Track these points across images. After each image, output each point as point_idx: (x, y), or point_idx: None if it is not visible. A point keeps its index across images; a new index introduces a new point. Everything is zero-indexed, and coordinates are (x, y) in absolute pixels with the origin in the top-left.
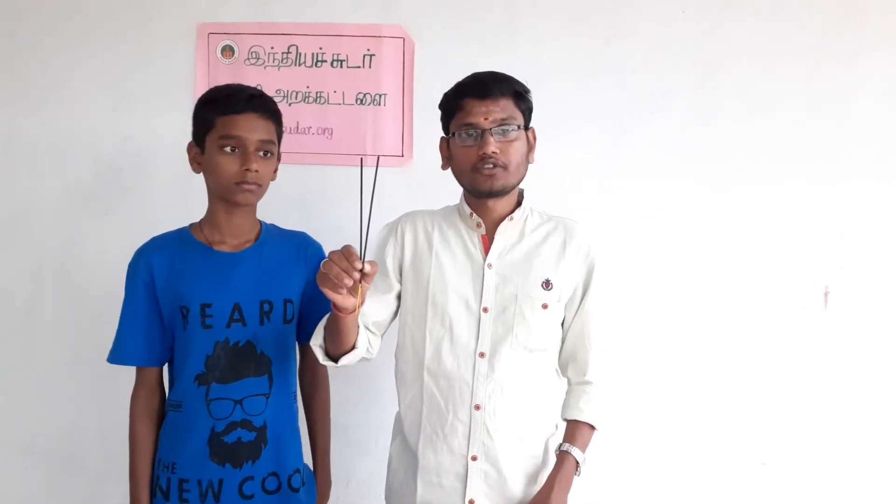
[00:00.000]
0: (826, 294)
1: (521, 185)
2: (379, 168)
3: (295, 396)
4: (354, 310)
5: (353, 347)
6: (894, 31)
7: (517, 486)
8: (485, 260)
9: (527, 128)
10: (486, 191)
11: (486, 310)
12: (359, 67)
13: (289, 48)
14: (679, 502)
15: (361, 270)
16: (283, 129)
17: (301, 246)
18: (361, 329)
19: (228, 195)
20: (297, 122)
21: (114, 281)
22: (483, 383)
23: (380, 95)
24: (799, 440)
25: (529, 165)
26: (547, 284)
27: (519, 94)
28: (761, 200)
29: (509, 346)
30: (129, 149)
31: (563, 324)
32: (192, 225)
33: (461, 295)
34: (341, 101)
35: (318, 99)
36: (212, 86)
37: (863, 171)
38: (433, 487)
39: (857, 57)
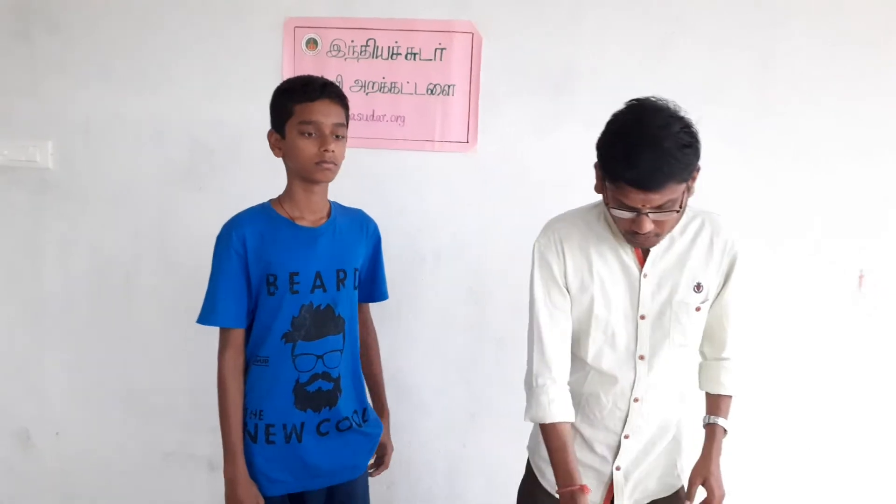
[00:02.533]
0: (861, 277)
1: None
2: (445, 153)
3: (359, 350)
4: None
5: None
6: None
7: (654, 454)
8: (640, 271)
9: (689, 179)
10: (637, 247)
11: (643, 317)
12: (430, 60)
13: (367, 41)
14: None
15: None
16: (359, 115)
17: (363, 222)
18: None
19: (309, 174)
20: (373, 110)
21: (205, 251)
22: (643, 381)
23: (449, 86)
24: None
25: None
26: (698, 288)
27: (683, 174)
28: (811, 189)
29: (667, 348)
30: (221, 131)
31: None
32: (272, 201)
33: (620, 306)
34: (413, 91)
35: (393, 89)
36: (297, 74)
37: None
38: (586, 451)
39: None
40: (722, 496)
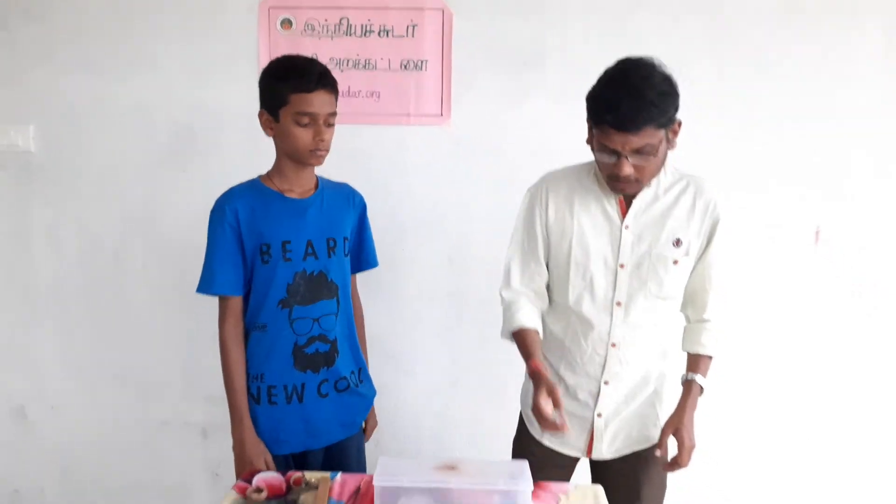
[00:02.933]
0: (817, 233)
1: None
2: (421, 126)
3: (352, 314)
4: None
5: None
6: None
7: (634, 405)
8: (622, 221)
9: (669, 126)
10: (619, 193)
11: (622, 266)
12: (403, 37)
13: (340, 20)
14: None
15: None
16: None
17: (349, 194)
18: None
19: (303, 160)
20: (349, 87)
21: (191, 228)
22: (620, 327)
23: (422, 62)
24: None
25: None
26: (678, 243)
27: (660, 116)
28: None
29: (643, 297)
30: (202, 112)
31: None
32: (261, 176)
33: (600, 253)
34: (387, 67)
35: (367, 65)
36: (272, 55)
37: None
38: (569, 399)
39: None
40: (692, 447)
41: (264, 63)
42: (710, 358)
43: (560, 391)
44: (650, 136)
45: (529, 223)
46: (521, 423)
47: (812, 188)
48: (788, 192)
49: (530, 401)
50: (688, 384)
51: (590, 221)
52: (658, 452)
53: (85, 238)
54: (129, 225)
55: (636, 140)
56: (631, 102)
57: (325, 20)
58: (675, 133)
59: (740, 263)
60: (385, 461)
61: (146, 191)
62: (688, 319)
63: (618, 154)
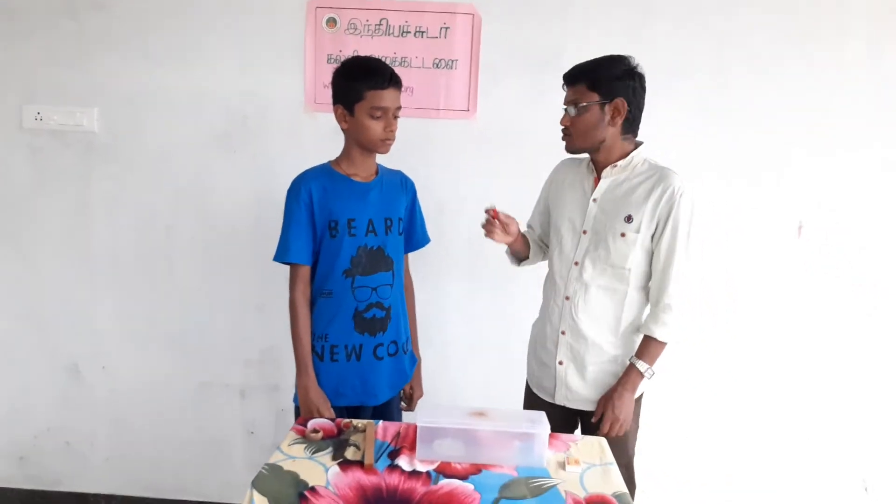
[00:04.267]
0: (800, 227)
1: (640, 140)
2: (449, 119)
3: (403, 288)
4: (509, 241)
5: (527, 257)
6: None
7: (592, 370)
8: (591, 195)
9: (607, 101)
10: (566, 149)
11: (584, 232)
12: (436, 38)
13: (380, 21)
14: None
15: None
16: None
17: (403, 180)
18: (533, 245)
19: (375, 148)
20: None
21: (238, 205)
22: (573, 283)
23: (452, 61)
24: None
25: (612, 129)
26: (628, 219)
27: (595, 79)
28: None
29: (593, 260)
30: (252, 100)
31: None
32: (331, 161)
33: (571, 220)
34: (421, 65)
35: (403, 63)
36: (318, 50)
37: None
38: (541, 349)
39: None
40: (616, 420)
41: (310, 55)
42: (660, 343)
43: (537, 343)
44: (580, 93)
45: (542, 191)
46: (528, 386)
47: (801, 185)
48: (779, 188)
49: (534, 354)
50: (629, 367)
51: (570, 195)
52: (593, 419)
53: (140, 212)
54: (181, 201)
55: (570, 93)
56: (575, 67)
57: (367, 20)
58: (617, 112)
59: (711, 258)
60: (426, 407)
61: (198, 170)
62: (650, 306)
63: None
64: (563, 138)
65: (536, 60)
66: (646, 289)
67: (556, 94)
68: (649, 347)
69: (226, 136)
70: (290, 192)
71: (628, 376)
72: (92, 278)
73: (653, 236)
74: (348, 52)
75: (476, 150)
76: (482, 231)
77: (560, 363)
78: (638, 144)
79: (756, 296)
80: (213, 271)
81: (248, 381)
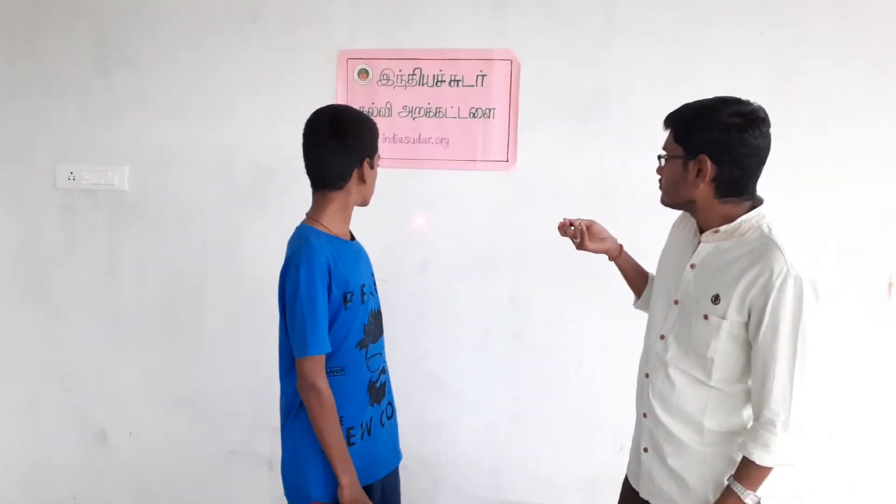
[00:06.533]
0: (890, 285)
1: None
2: (487, 171)
3: None
4: (605, 249)
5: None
6: None
7: (674, 459)
8: (690, 259)
9: (690, 157)
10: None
11: (676, 302)
12: (472, 86)
13: (414, 70)
14: None
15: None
16: (406, 138)
17: None
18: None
19: (370, 200)
20: (420, 133)
21: (266, 264)
22: (654, 359)
23: (490, 109)
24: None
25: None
26: (716, 299)
27: (679, 129)
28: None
29: (675, 339)
30: (281, 155)
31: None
32: (313, 224)
33: (667, 284)
34: (457, 115)
35: (438, 113)
36: (350, 103)
37: None
38: (635, 428)
39: None
40: None
41: None
42: (759, 466)
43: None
44: (668, 141)
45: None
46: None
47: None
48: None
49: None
50: (725, 489)
51: (674, 255)
52: None
53: (168, 270)
54: (209, 258)
55: (665, 140)
56: (685, 104)
57: (400, 70)
58: (699, 171)
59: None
60: None
61: (226, 227)
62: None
63: None
64: (659, 188)
65: (578, 105)
66: (746, 390)
67: (600, 141)
68: (749, 470)
69: (254, 191)
70: (307, 269)
71: (725, 501)
72: (119, 338)
73: (747, 326)
74: (381, 105)
75: (516, 202)
76: (526, 286)
77: (645, 450)
78: (756, 204)
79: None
80: (241, 331)
81: (276, 451)
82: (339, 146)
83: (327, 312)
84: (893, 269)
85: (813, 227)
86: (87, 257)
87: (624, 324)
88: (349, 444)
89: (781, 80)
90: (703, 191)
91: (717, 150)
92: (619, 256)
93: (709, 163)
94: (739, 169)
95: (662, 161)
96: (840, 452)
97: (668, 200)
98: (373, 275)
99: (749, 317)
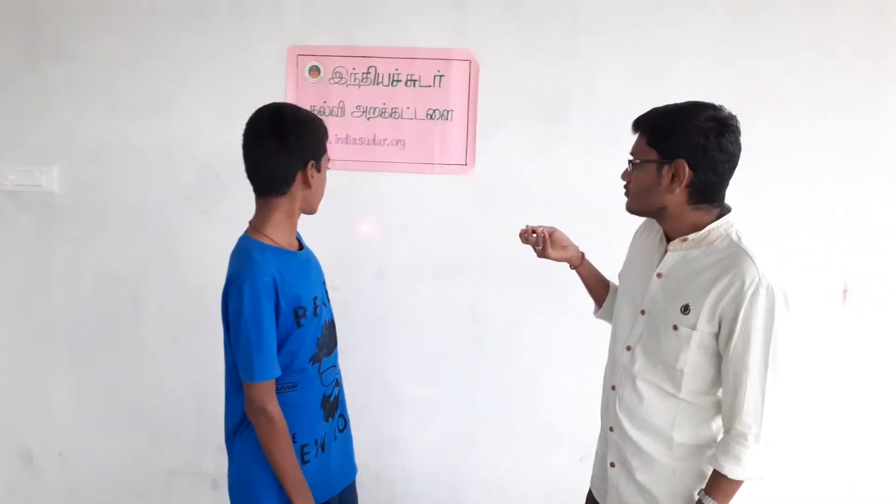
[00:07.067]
0: (845, 291)
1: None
2: (445, 175)
3: None
4: (567, 257)
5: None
6: None
7: (643, 474)
8: (656, 268)
9: (666, 161)
10: (626, 209)
11: (643, 312)
12: (430, 87)
13: (368, 69)
14: None
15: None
16: (361, 139)
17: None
18: (611, 295)
19: (317, 207)
20: (374, 135)
21: (210, 272)
22: (621, 372)
23: (447, 111)
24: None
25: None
26: (685, 309)
27: (653, 133)
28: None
29: (643, 350)
30: (226, 155)
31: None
32: (257, 235)
33: (632, 294)
34: (413, 116)
35: (393, 114)
36: (300, 102)
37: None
38: (600, 441)
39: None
40: None
41: None
42: (730, 480)
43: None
44: (639, 146)
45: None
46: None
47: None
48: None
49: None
50: (696, 502)
51: (639, 263)
52: None
53: (103, 279)
54: (148, 267)
55: (633, 144)
56: (653, 108)
57: (354, 69)
58: (675, 175)
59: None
60: None
61: (168, 232)
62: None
63: None
64: (625, 195)
65: (539, 109)
66: (716, 402)
67: (562, 146)
68: (720, 483)
69: (197, 194)
70: (249, 291)
71: None
72: (48, 352)
73: (717, 337)
74: (334, 104)
75: (475, 208)
76: (486, 293)
77: (611, 465)
78: (724, 212)
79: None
80: (181, 343)
81: (222, 470)
82: (280, 147)
83: (275, 334)
84: (848, 274)
85: (768, 230)
86: (11, 264)
87: (584, 332)
88: (303, 462)
89: (747, 82)
90: (675, 197)
91: (694, 154)
92: (580, 265)
93: (686, 167)
94: (714, 174)
95: (631, 166)
96: (840, 453)
97: (636, 207)
98: (324, 283)
99: (719, 327)
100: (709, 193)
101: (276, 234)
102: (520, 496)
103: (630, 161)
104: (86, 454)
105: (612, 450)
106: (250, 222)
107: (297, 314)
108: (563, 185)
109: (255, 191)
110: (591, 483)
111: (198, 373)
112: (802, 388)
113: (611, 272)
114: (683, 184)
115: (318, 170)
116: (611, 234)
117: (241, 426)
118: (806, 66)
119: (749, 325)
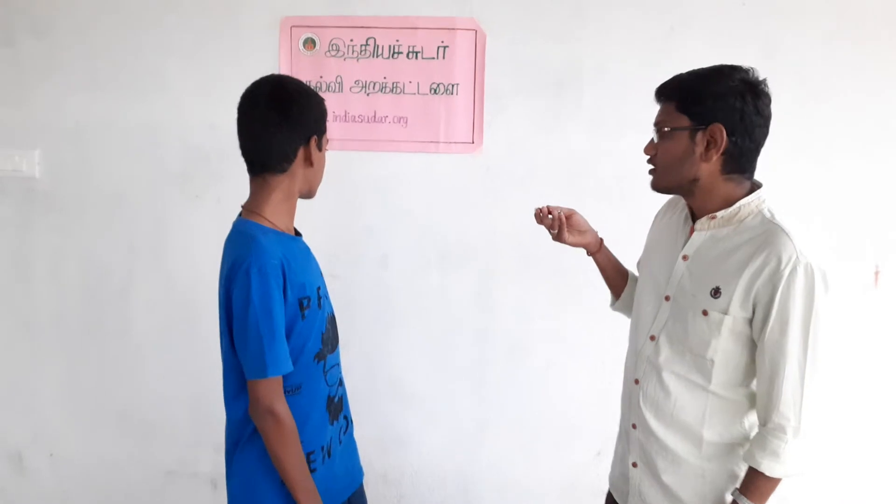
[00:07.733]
0: (877, 274)
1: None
2: (450, 154)
3: None
4: (586, 243)
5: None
6: None
7: (669, 475)
8: (681, 250)
9: (700, 127)
10: (651, 187)
11: (667, 298)
12: (433, 59)
13: (367, 40)
14: None
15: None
16: (360, 117)
17: None
18: (631, 285)
19: (316, 190)
20: (375, 112)
21: (202, 261)
22: (645, 363)
23: (452, 85)
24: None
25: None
26: (716, 292)
27: (685, 97)
28: (812, 179)
29: (670, 335)
30: (216, 135)
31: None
32: (255, 217)
33: (655, 279)
34: (416, 91)
35: (395, 89)
36: (294, 76)
37: None
38: (619, 440)
39: None
40: None
41: None
42: (768, 478)
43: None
44: (667, 113)
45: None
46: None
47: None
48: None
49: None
50: (731, 502)
51: (662, 246)
52: None
53: (90, 269)
54: (136, 255)
55: (658, 112)
56: (676, 75)
57: (351, 40)
58: (713, 143)
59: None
60: None
61: (155, 218)
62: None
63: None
64: (650, 172)
65: (549, 82)
66: (749, 395)
67: (573, 120)
68: (757, 482)
69: (187, 178)
70: (257, 276)
71: None
72: (34, 347)
73: (751, 322)
74: (330, 79)
75: (483, 189)
76: (495, 280)
77: (633, 465)
78: (754, 188)
79: None
80: (174, 336)
81: (220, 469)
82: (280, 120)
83: (283, 326)
84: (881, 256)
85: (793, 211)
86: None
87: (600, 321)
88: (311, 470)
89: (766, 53)
90: (710, 167)
91: (731, 118)
92: (598, 252)
93: (723, 132)
94: (751, 140)
95: (658, 136)
96: (840, 453)
97: (665, 183)
98: (321, 275)
99: (753, 312)
100: (744, 162)
101: (274, 217)
102: (533, 494)
103: (657, 130)
104: (77, 455)
105: (635, 449)
106: (244, 206)
107: (302, 305)
108: (576, 164)
109: (250, 169)
110: (611, 484)
111: (191, 366)
112: (838, 376)
113: (629, 258)
114: (720, 151)
115: (320, 148)
116: (628, 215)
117: (243, 436)
118: (827, 37)
119: (786, 307)
